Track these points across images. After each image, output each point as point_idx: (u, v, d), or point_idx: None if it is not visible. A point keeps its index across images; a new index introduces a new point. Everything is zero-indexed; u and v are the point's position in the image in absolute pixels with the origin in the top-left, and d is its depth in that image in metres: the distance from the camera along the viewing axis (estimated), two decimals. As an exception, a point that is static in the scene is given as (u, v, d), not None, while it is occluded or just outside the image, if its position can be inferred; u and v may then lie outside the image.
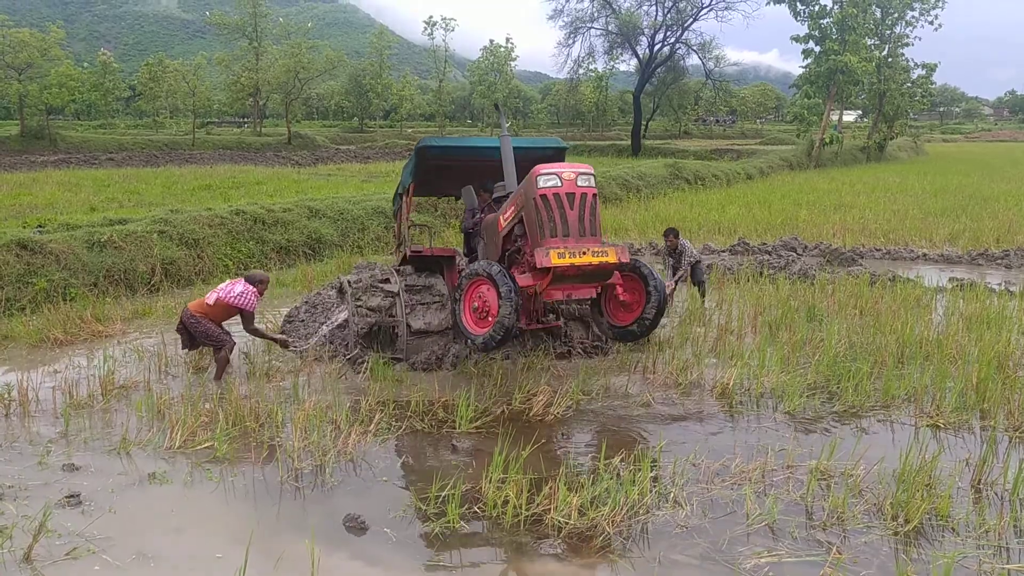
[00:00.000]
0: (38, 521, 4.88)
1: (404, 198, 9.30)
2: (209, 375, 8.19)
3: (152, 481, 5.76)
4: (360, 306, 8.60)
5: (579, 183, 6.96)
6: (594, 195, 7.05)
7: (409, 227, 9.35)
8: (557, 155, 8.91)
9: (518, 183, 7.75)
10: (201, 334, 8.18)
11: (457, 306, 7.40)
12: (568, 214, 6.89)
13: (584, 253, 6.84)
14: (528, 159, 8.73)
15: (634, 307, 7.60)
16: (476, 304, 7.21)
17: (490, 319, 7.05)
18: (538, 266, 6.80)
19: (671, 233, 11.34)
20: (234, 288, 8.25)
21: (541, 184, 6.89)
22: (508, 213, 7.45)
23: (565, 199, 6.90)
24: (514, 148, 8.36)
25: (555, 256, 6.72)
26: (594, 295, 7.58)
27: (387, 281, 8.78)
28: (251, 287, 8.30)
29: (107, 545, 4.85)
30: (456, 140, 9.01)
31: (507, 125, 8.07)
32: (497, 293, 6.89)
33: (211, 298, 8.24)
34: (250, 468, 6.00)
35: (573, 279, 7.02)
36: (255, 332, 8.50)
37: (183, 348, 8.54)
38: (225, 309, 8.22)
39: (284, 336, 8.93)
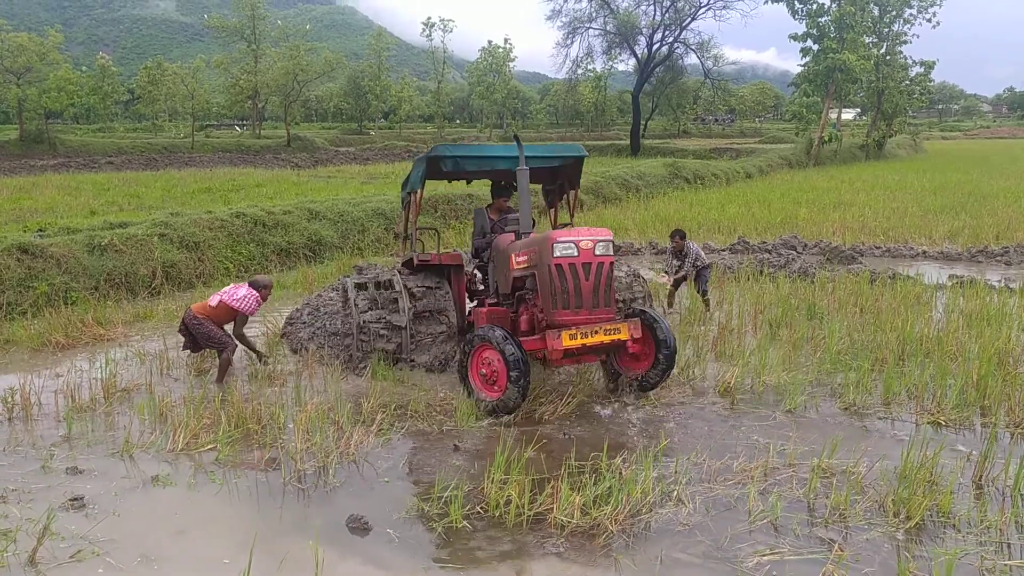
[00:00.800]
0: (42, 524, 4.89)
1: (412, 199, 8.99)
2: (211, 378, 8.20)
3: (155, 484, 5.77)
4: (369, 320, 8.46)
5: (597, 252, 6.88)
6: (611, 264, 6.98)
7: (416, 230, 9.15)
8: (577, 163, 8.68)
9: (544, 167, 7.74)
10: (203, 336, 8.19)
11: (464, 368, 7.25)
12: (583, 285, 6.84)
13: (596, 332, 6.83)
14: (549, 166, 8.72)
15: (643, 356, 7.52)
16: (484, 371, 7.07)
17: (500, 383, 6.90)
18: (550, 348, 6.77)
19: (677, 235, 11.19)
20: (238, 291, 8.29)
21: (558, 253, 6.79)
22: (521, 260, 7.34)
23: (581, 270, 6.84)
24: (535, 156, 8.21)
25: (567, 338, 6.70)
26: (603, 358, 7.64)
27: (395, 301, 8.51)
28: (254, 292, 8.33)
29: (111, 548, 4.86)
30: (471, 149, 8.46)
31: (524, 156, 7.74)
32: (504, 365, 6.74)
33: (214, 300, 8.28)
34: (253, 470, 6.01)
35: (583, 352, 7.05)
36: (241, 337, 8.46)
37: (184, 349, 8.57)
38: (227, 311, 8.26)
39: (266, 355, 8.78)
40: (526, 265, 7.26)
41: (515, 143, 7.89)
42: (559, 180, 9.01)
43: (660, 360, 7.33)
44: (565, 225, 8.84)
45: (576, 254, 6.81)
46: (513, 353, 6.67)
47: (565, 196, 9.07)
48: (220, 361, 8.14)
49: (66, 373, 8.34)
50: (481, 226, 8.88)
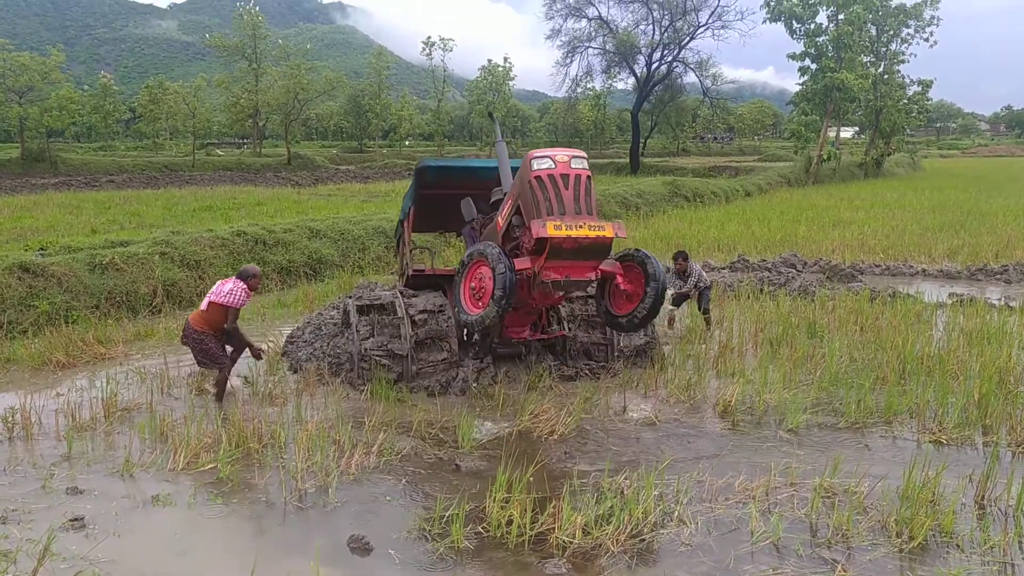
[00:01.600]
0: (42, 545, 4.87)
1: (405, 224, 9.25)
2: (212, 398, 8.15)
3: (156, 503, 5.75)
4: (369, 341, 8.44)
5: (573, 165, 7.05)
6: (588, 176, 7.09)
7: (411, 250, 9.28)
8: None
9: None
10: (201, 352, 8.02)
11: (456, 287, 7.49)
12: (563, 194, 6.95)
13: (581, 227, 6.87)
14: None
15: (635, 297, 7.60)
16: (474, 284, 7.33)
17: (486, 299, 7.13)
18: (535, 236, 6.85)
19: (680, 256, 11.07)
20: (223, 287, 8.04)
21: (535, 167, 7.00)
22: (505, 208, 7.53)
23: (560, 180, 6.97)
24: (516, 167, 8.29)
25: (551, 227, 6.75)
26: (593, 278, 7.47)
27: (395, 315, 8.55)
28: (241, 283, 8.05)
29: (111, 568, 4.84)
30: (456, 161, 9.02)
31: (500, 131, 8.16)
32: (491, 270, 6.99)
33: (205, 304, 8.11)
34: (254, 489, 5.99)
35: (570, 254, 6.99)
36: (235, 330, 8.20)
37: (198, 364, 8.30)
38: (219, 311, 8.01)
39: (259, 348, 8.58)
40: (510, 205, 7.40)
41: (489, 117, 8.24)
42: None
43: (648, 293, 7.37)
44: None
45: (553, 166, 6.98)
46: (503, 271, 6.88)
47: None
48: (217, 379, 8.04)
49: (66, 392, 8.33)
50: (468, 213, 8.70)
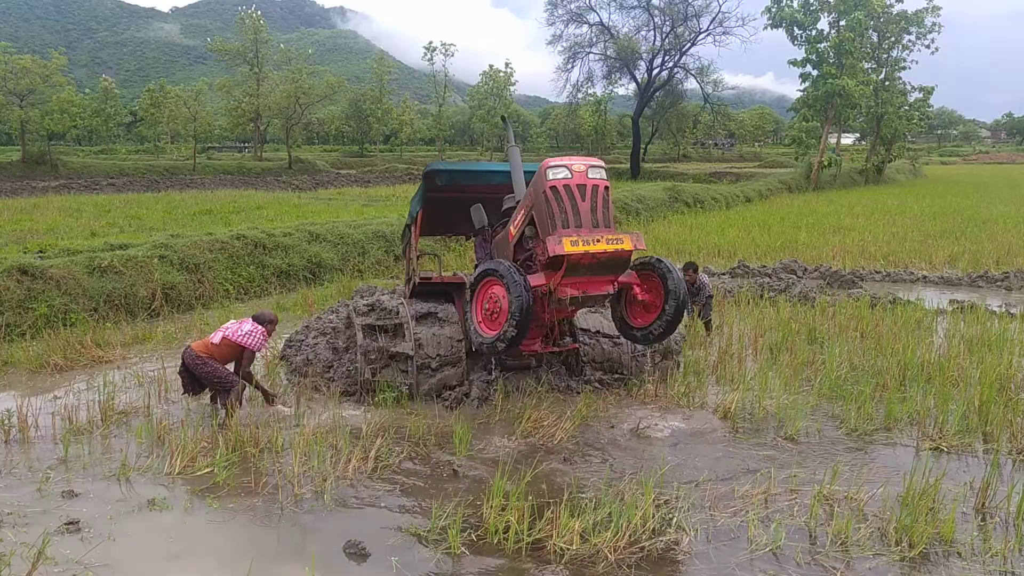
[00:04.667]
0: (37, 548, 4.84)
1: (412, 229, 8.91)
2: (206, 402, 8.06)
3: (152, 507, 5.72)
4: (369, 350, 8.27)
5: (590, 175, 6.78)
6: (606, 187, 6.85)
7: (417, 256, 9.00)
8: None
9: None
10: (207, 375, 7.67)
11: (469, 309, 7.22)
12: (580, 205, 6.69)
13: (598, 241, 6.61)
14: None
15: (653, 307, 7.26)
16: (488, 305, 7.01)
17: (501, 320, 6.81)
18: (551, 254, 6.57)
19: (690, 268, 10.77)
20: (242, 327, 7.77)
21: (551, 176, 6.71)
22: (518, 218, 7.23)
23: (576, 190, 6.72)
24: (528, 171, 7.99)
25: (568, 243, 6.49)
26: (610, 291, 7.20)
27: (399, 326, 8.37)
28: (259, 327, 7.82)
29: (106, 572, 4.82)
30: (465, 165, 8.70)
31: (513, 136, 7.86)
32: (507, 290, 6.67)
33: (216, 337, 7.77)
34: (250, 494, 5.96)
35: (587, 270, 6.77)
36: (248, 376, 7.89)
37: (185, 393, 7.95)
38: (231, 348, 7.73)
39: (275, 394, 8.20)
40: (524, 215, 7.10)
41: (503, 121, 8.03)
42: None
43: (667, 310, 7.01)
44: None
45: (570, 176, 6.71)
46: (519, 292, 6.54)
47: None
48: (225, 404, 7.57)
49: (64, 395, 8.30)
50: (479, 221, 8.49)
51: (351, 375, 8.46)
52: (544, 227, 6.79)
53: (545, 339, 8.19)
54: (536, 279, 6.88)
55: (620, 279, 7.17)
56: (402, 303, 8.70)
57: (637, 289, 7.26)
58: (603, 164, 6.98)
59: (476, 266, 9.04)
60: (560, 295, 6.87)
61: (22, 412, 7.28)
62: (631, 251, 6.79)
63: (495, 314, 6.94)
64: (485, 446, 6.95)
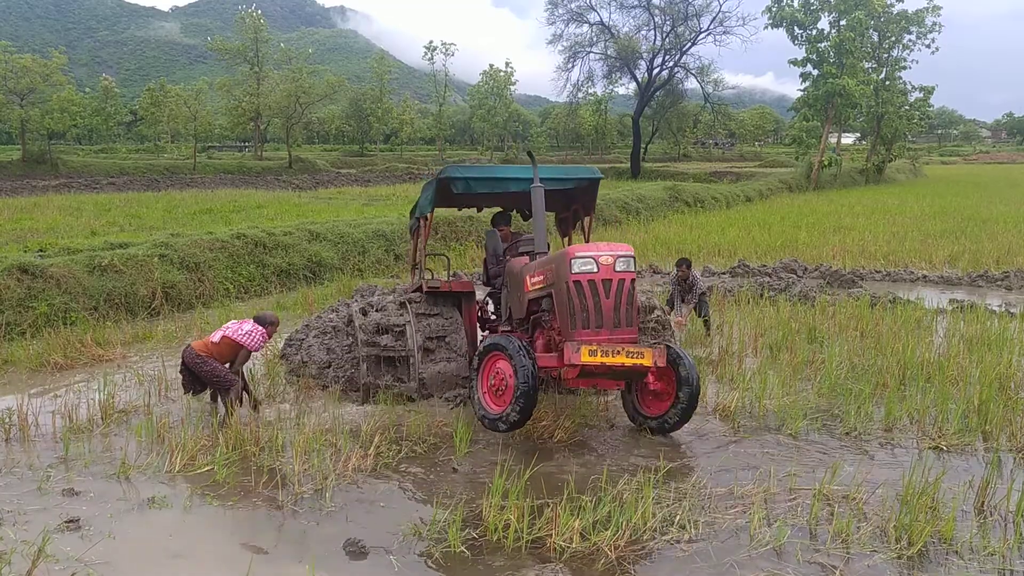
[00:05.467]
0: (37, 546, 4.84)
1: (422, 223, 8.69)
2: (209, 405, 8.06)
3: (152, 506, 5.73)
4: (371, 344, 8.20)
5: (617, 268, 6.55)
6: (632, 280, 6.64)
7: (425, 256, 8.82)
8: (592, 186, 8.40)
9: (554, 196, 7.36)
10: (207, 374, 7.65)
11: (473, 382, 7.00)
12: (603, 303, 6.51)
13: (618, 353, 6.40)
14: (563, 188, 8.38)
15: (666, 395, 7.07)
16: (493, 381, 6.77)
17: (507, 398, 6.57)
18: (567, 361, 6.38)
19: (684, 264, 10.92)
20: (243, 326, 7.79)
21: (576, 269, 6.47)
22: (536, 280, 7.00)
23: (601, 286, 6.51)
24: (549, 179, 7.86)
25: (586, 353, 6.29)
26: (622, 387, 7.21)
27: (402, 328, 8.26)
28: (260, 328, 7.83)
29: (106, 571, 4.82)
30: (483, 171, 8.24)
31: (537, 175, 7.48)
32: (513, 371, 6.44)
33: (216, 336, 7.77)
34: (250, 492, 5.97)
35: (602, 375, 6.64)
36: (240, 372, 7.91)
37: (186, 393, 7.94)
38: (231, 347, 7.73)
39: (258, 400, 8.14)
40: (542, 285, 6.91)
41: (530, 162, 7.61)
42: (573, 206, 8.74)
43: (681, 399, 6.85)
44: None
45: (596, 270, 6.49)
46: (524, 365, 6.35)
47: (579, 223, 8.79)
48: (225, 402, 7.60)
49: (64, 394, 8.30)
50: (494, 248, 8.58)
51: (352, 378, 8.41)
52: (563, 319, 6.63)
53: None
54: (547, 360, 6.73)
55: None
56: (404, 309, 8.47)
57: (650, 377, 6.96)
58: (631, 252, 6.74)
59: (485, 265, 8.95)
60: (570, 386, 6.76)
61: (22, 411, 7.29)
62: (649, 367, 6.59)
63: (501, 391, 6.71)
64: (485, 445, 6.95)
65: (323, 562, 4.89)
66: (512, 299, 7.75)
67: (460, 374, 8.16)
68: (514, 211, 9.01)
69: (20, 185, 41.68)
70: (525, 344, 6.66)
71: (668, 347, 6.96)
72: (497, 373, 6.76)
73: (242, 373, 7.97)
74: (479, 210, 9.88)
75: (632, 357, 6.46)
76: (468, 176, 7.96)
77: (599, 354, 6.36)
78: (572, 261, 6.50)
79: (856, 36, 45.53)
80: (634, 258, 6.75)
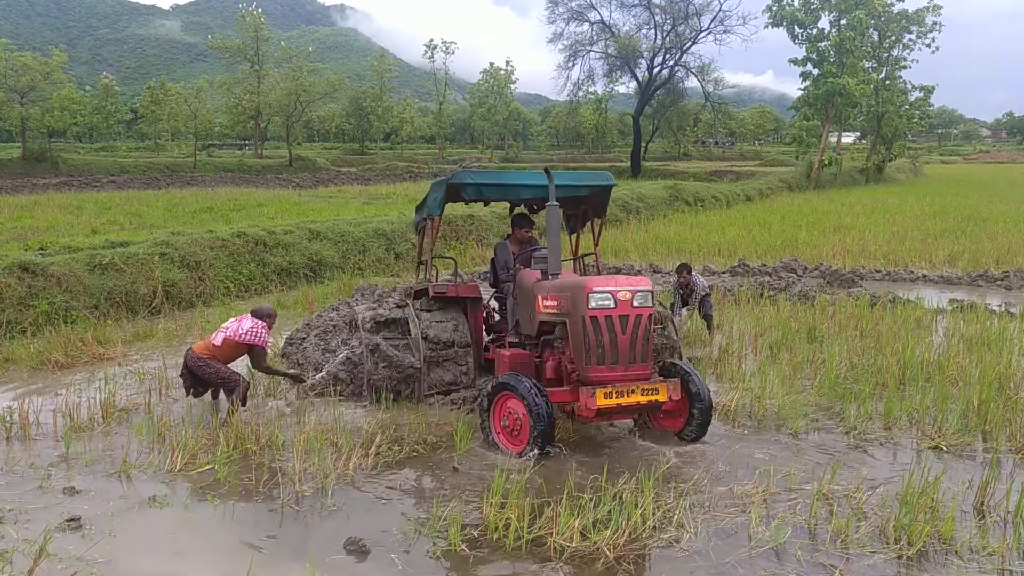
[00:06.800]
0: (38, 545, 4.85)
1: (430, 224, 8.57)
2: (210, 403, 8.07)
3: (152, 504, 5.74)
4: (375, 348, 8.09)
5: (635, 303, 6.42)
6: (650, 316, 6.53)
7: (432, 258, 8.74)
8: (605, 192, 8.34)
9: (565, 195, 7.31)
10: (211, 375, 7.61)
11: (485, 421, 6.84)
12: (619, 339, 6.40)
13: (633, 392, 6.38)
14: (576, 195, 8.34)
15: (677, 413, 7.00)
16: (507, 422, 6.64)
17: (523, 437, 6.48)
18: (583, 407, 6.34)
19: (684, 269, 10.93)
20: (242, 325, 7.69)
21: (593, 304, 6.35)
22: (549, 304, 6.84)
23: (618, 322, 6.39)
24: (562, 185, 7.72)
25: (601, 397, 6.27)
26: (635, 417, 7.21)
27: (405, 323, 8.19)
28: (259, 321, 7.75)
29: (107, 569, 4.83)
30: (494, 176, 8.12)
31: (554, 192, 7.21)
32: (527, 411, 6.37)
33: (218, 338, 7.69)
34: (251, 491, 5.98)
35: (617, 413, 6.64)
36: (268, 370, 7.97)
37: (188, 395, 7.90)
38: (234, 348, 7.68)
39: (298, 372, 8.37)
40: (555, 311, 6.77)
41: (545, 173, 7.41)
42: (583, 206, 8.71)
43: (695, 415, 6.82)
44: (588, 255, 8.76)
45: (613, 306, 6.35)
46: (538, 405, 6.28)
47: (589, 223, 8.76)
48: (230, 401, 7.58)
49: (65, 392, 8.30)
50: (504, 260, 8.51)
51: (354, 380, 8.37)
52: (578, 353, 6.54)
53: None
54: (560, 395, 6.70)
55: None
56: (408, 309, 8.40)
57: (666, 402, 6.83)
58: (650, 287, 6.62)
59: (492, 266, 8.85)
60: (583, 420, 6.70)
61: (23, 409, 7.30)
62: (664, 401, 6.56)
63: (516, 431, 6.58)
64: (485, 444, 6.95)
65: (324, 561, 4.89)
66: (522, 313, 7.65)
67: (464, 377, 8.15)
68: (521, 205, 8.96)
69: (20, 183, 41.71)
70: (535, 382, 6.53)
71: (674, 366, 6.98)
72: (510, 413, 6.63)
73: (270, 367, 7.99)
74: (485, 204, 9.87)
75: (647, 395, 6.45)
76: (479, 182, 7.86)
77: (614, 396, 6.34)
78: (589, 296, 6.37)
79: (856, 35, 45.53)
80: (652, 292, 6.65)
